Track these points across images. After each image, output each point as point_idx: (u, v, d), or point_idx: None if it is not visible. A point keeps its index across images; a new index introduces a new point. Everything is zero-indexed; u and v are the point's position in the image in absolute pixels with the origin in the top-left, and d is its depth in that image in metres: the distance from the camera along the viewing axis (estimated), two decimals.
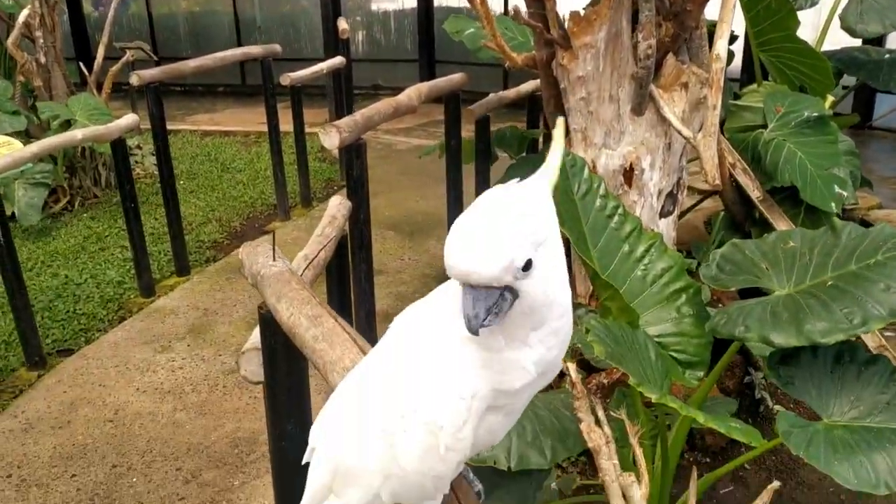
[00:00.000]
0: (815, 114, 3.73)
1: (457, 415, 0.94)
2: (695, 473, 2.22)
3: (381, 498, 1.01)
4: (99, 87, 7.63)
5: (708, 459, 3.30)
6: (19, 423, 3.82)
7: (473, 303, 0.88)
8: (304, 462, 1.14)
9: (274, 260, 1.86)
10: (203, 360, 4.37)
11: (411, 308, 1.06)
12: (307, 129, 6.76)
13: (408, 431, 0.96)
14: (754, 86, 4.29)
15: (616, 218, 2.65)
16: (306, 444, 1.99)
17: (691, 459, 3.29)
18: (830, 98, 4.34)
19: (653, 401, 2.00)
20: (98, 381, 4.20)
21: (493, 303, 0.88)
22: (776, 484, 2.01)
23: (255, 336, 2.06)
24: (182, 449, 3.58)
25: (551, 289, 0.92)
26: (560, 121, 1.11)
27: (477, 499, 1.13)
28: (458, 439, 0.95)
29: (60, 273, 5.49)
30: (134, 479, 3.39)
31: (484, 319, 0.88)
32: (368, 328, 3.74)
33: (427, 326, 1.00)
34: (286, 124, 6.62)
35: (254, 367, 2.01)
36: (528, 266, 0.88)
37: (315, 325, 1.47)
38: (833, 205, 3.47)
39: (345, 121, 3.32)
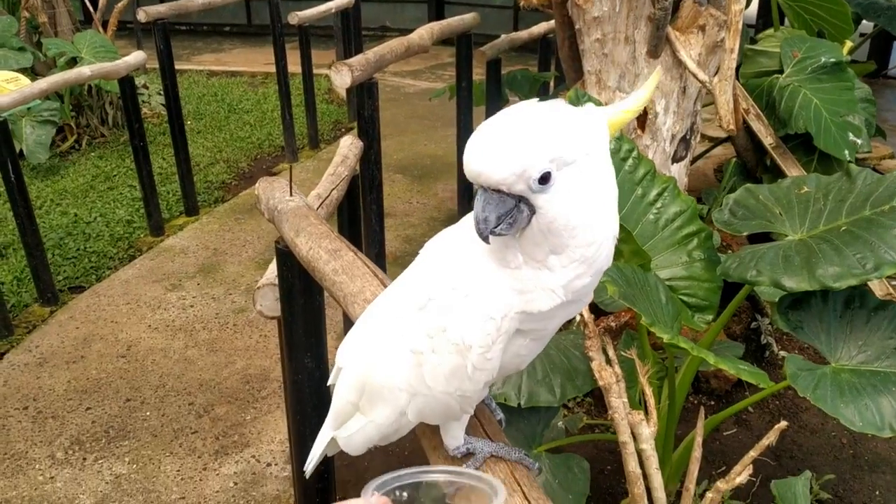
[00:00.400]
0: (833, 60, 3.68)
1: (485, 335, 0.95)
2: (702, 413, 2.26)
3: (408, 416, 1.03)
4: (104, 25, 7.53)
5: (712, 402, 3.35)
6: (34, 357, 3.88)
7: (484, 206, 0.87)
8: (329, 383, 1.16)
9: (291, 195, 1.87)
10: (213, 298, 4.41)
11: (443, 232, 1.07)
12: (314, 71, 6.69)
13: (436, 351, 0.97)
14: (771, 30, 4.22)
15: (630, 161, 2.64)
16: (322, 377, 2.02)
17: (696, 402, 3.34)
18: (848, 44, 4.28)
19: (664, 341, 2.02)
20: (110, 317, 4.24)
21: (507, 211, 0.87)
22: (783, 424, 2.05)
23: (270, 272, 2.08)
24: (194, 384, 3.64)
25: (576, 213, 0.89)
26: (658, 70, 1.10)
27: (499, 427, 1.15)
28: (486, 359, 0.96)
29: (70, 211, 5.50)
30: (147, 413, 3.46)
31: (495, 227, 0.87)
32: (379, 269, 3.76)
33: (457, 249, 1.00)
34: (293, 65, 6.55)
35: (269, 301, 2.03)
36: (545, 180, 0.86)
37: (335, 259, 1.48)
38: (847, 152, 3.45)
39: (356, 59, 3.28)
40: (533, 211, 0.89)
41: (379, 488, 0.75)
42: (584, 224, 0.91)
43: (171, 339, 4.03)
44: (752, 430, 3.23)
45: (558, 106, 0.91)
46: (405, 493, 0.75)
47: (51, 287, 4.37)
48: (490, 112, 4.90)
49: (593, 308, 3.29)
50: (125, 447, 3.25)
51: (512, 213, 0.88)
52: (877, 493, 2.90)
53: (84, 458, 3.19)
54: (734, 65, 3.18)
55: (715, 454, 3.08)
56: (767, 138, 3.72)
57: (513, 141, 0.86)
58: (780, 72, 3.80)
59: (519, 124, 0.87)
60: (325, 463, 2.26)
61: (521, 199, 0.88)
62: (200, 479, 3.06)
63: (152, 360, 3.84)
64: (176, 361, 3.83)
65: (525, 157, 0.85)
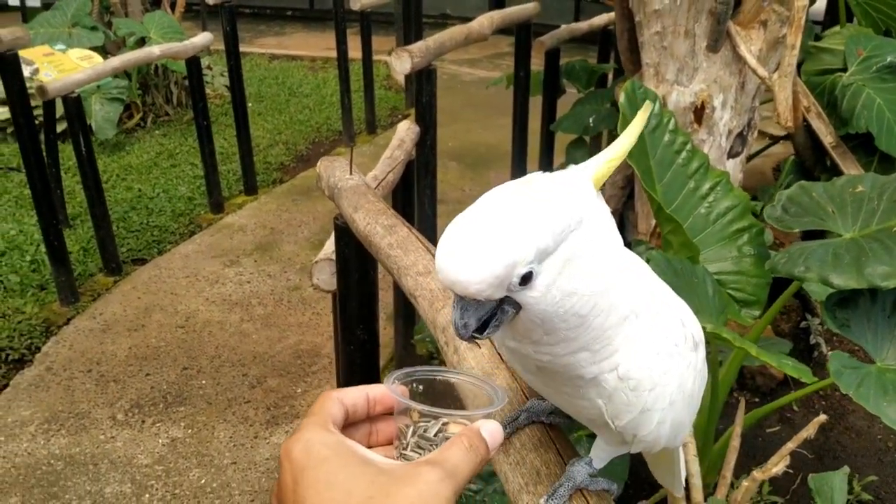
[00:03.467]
0: None
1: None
2: (742, 404, 2.29)
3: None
4: (172, 6, 7.75)
5: (757, 399, 3.35)
6: (98, 323, 4.06)
7: (462, 312, 0.78)
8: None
9: (350, 174, 1.95)
10: (269, 275, 4.54)
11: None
12: (374, 57, 6.79)
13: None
14: (837, 28, 4.16)
15: (684, 154, 2.65)
16: (373, 350, 2.11)
17: (739, 398, 3.34)
18: None
19: (707, 331, 2.05)
20: (170, 289, 4.41)
21: (488, 313, 0.78)
22: (822, 417, 2.07)
23: (328, 247, 2.17)
24: (248, 357, 3.77)
25: (570, 302, 0.79)
26: (647, 106, 0.91)
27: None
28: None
29: (134, 186, 5.71)
30: (203, 382, 3.60)
31: (478, 331, 0.79)
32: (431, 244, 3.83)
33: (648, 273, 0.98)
34: (353, 51, 6.66)
35: (325, 276, 2.12)
36: (525, 280, 0.76)
37: (390, 234, 1.56)
38: None
39: (417, 45, 3.35)
40: (518, 307, 0.79)
41: (399, 378, 0.82)
42: (588, 308, 0.81)
43: (228, 312, 4.17)
44: (795, 428, 3.22)
45: (535, 185, 0.80)
46: (421, 386, 0.83)
47: (115, 258, 4.56)
48: (546, 102, 4.93)
49: None
50: (181, 412, 3.39)
51: (495, 314, 0.79)
52: None
53: (143, 421, 3.34)
54: (795, 61, 3.16)
55: (757, 450, 3.09)
56: (827, 137, 3.68)
57: (487, 247, 0.75)
58: (844, 70, 3.74)
59: (492, 221, 0.77)
60: None
61: (504, 300, 0.79)
62: (252, 447, 3.19)
63: (209, 332, 3.99)
64: (231, 334, 3.97)
65: (499, 264, 0.75)
